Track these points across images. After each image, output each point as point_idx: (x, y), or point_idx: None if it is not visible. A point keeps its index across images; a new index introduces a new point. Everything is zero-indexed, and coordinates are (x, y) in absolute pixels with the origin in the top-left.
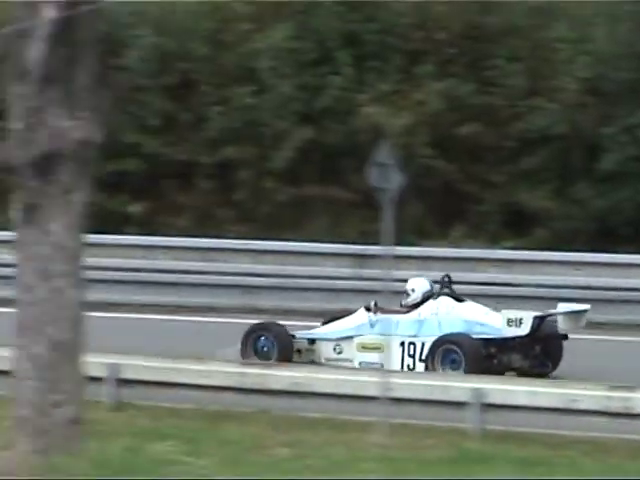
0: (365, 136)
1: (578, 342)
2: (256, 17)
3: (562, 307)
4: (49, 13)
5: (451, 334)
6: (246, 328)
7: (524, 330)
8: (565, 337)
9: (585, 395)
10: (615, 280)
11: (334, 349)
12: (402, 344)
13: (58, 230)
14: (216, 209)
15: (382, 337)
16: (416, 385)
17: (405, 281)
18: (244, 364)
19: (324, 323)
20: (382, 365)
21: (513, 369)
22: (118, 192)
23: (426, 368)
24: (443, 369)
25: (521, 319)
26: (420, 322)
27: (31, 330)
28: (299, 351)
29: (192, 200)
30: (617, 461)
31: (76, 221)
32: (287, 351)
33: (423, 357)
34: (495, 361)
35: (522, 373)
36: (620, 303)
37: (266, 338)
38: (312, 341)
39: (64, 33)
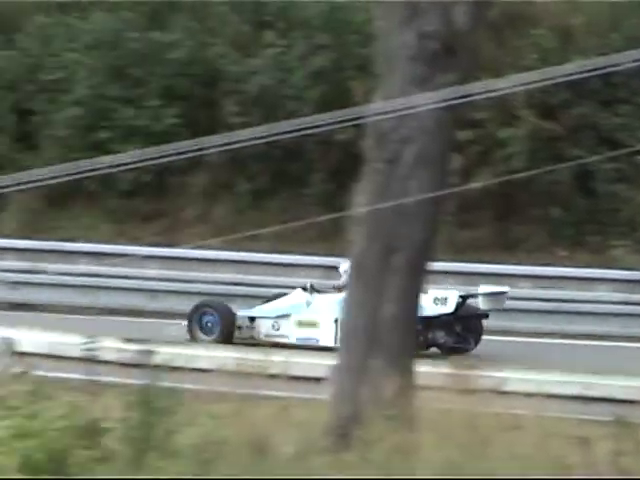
0: None
1: None
2: None
3: (483, 288)
4: None
5: None
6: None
7: (449, 308)
8: (486, 316)
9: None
10: None
11: (272, 326)
12: (335, 321)
13: None
14: None
15: (317, 314)
16: None
17: None
18: None
19: (264, 303)
20: (317, 340)
21: (437, 345)
22: None
23: None
24: None
25: (446, 298)
26: None
27: None
28: (239, 327)
29: None
30: None
31: None
32: (229, 327)
33: None
34: (421, 338)
35: (445, 349)
36: None
37: (210, 315)
38: (252, 319)
39: None
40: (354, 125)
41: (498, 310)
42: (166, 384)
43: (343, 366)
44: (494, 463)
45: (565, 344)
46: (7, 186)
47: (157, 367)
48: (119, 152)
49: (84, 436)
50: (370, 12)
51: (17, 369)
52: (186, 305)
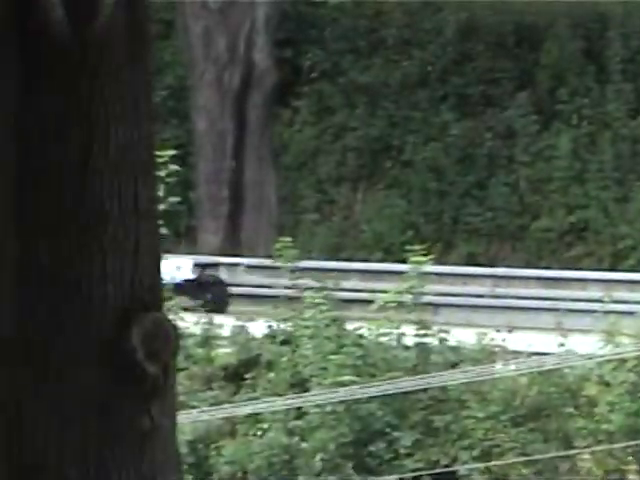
0: None
1: None
2: None
3: (223, 259)
4: None
5: None
6: None
7: (186, 274)
8: (226, 284)
9: None
10: None
11: None
12: None
13: None
14: None
15: None
16: None
17: None
18: None
19: None
20: None
21: (185, 309)
22: None
23: None
24: None
25: (180, 266)
26: None
27: None
28: None
29: None
30: None
31: None
32: None
33: None
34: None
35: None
36: None
37: None
38: None
39: None
40: None
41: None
42: None
43: None
44: None
45: None
46: None
47: None
48: None
49: None
50: None
51: None
52: None
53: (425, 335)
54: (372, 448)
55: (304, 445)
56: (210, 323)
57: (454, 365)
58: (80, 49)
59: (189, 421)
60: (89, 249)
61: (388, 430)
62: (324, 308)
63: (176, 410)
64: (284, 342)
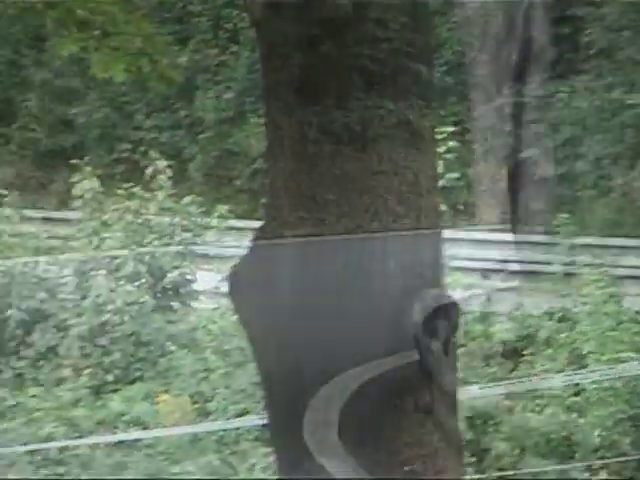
0: None
1: None
2: None
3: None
4: None
5: None
6: None
7: None
8: None
9: None
10: None
11: None
12: None
13: None
14: None
15: None
16: None
17: None
18: None
19: None
20: None
21: None
22: None
23: None
24: None
25: None
26: None
27: None
28: None
29: None
30: None
31: None
32: None
33: None
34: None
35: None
36: None
37: None
38: None
39: None
40: None
41: None
42: None
43: None
44: None
45: None
46: None
47: None
48: None
49: None
50: None
51: None
52: None
53: None
54: None
55: (582, 421)
56: (488, 299)
57: None
58: (358, 18)
59: (467, 398)
60: (370, 227)
61: None
62: (602, 285)
63: (456, 386)
64: (562, 319)
